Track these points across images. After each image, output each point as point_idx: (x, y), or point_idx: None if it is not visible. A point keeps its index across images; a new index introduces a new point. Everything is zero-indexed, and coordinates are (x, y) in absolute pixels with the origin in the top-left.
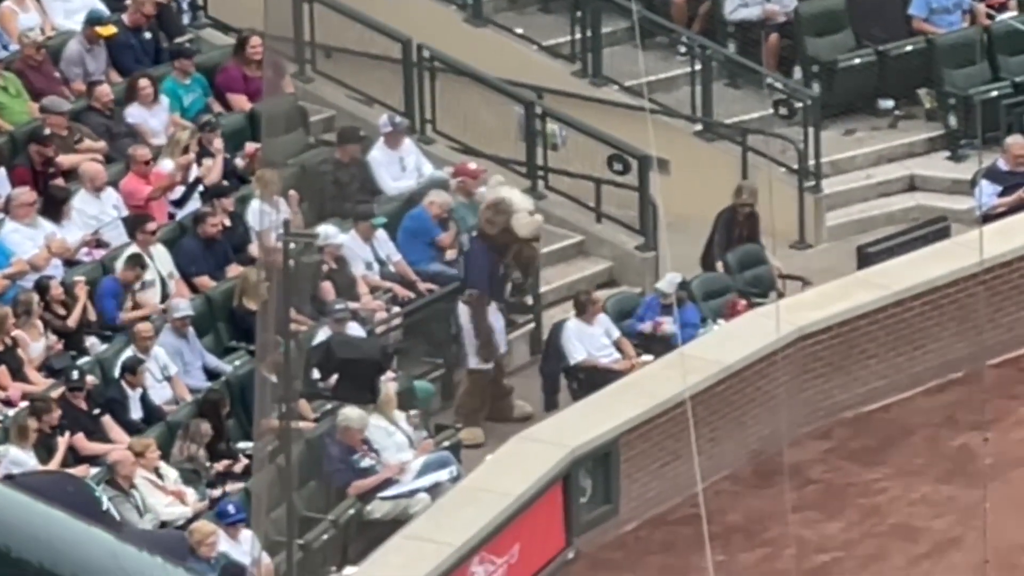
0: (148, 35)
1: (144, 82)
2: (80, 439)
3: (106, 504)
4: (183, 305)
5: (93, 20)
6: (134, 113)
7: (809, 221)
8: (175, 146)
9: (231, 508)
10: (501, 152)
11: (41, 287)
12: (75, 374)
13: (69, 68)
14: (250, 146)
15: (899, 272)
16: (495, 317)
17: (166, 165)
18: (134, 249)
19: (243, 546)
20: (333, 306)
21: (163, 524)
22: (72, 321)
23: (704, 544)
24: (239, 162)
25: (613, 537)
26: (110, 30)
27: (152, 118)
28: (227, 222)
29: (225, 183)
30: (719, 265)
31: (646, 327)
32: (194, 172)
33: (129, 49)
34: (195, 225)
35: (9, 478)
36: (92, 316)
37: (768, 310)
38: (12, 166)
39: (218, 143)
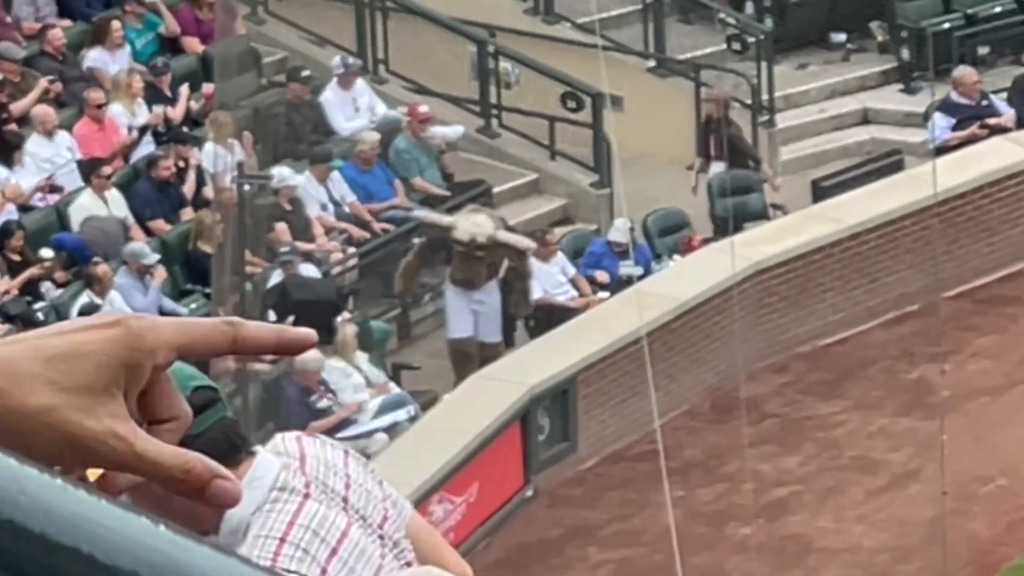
0: None
1: (116, 25)
2: None
3: None
4: (144, 250)
5: None
6: (96, 57)
7: (763, 156)
8: (120, 89)
9: None
10: (454, 91)
11: (6, 232)
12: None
13: (21, 7)
14: (207, 87)
15: (854, 205)
16: (472, 302)
17: (115, 109)
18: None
19: None
20: (280, 249)
21: None
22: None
23: (663, 480)
24: (193, 105)
25: (572, 474)
26: None
27: (114, 63)
28: (181, 164)
29: (184, 129)
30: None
31: (603, 276)
32: (145, 117)
33: None
34: (148, 168)
35: None
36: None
37: (723, 245)
38: None
39: (184, 89)
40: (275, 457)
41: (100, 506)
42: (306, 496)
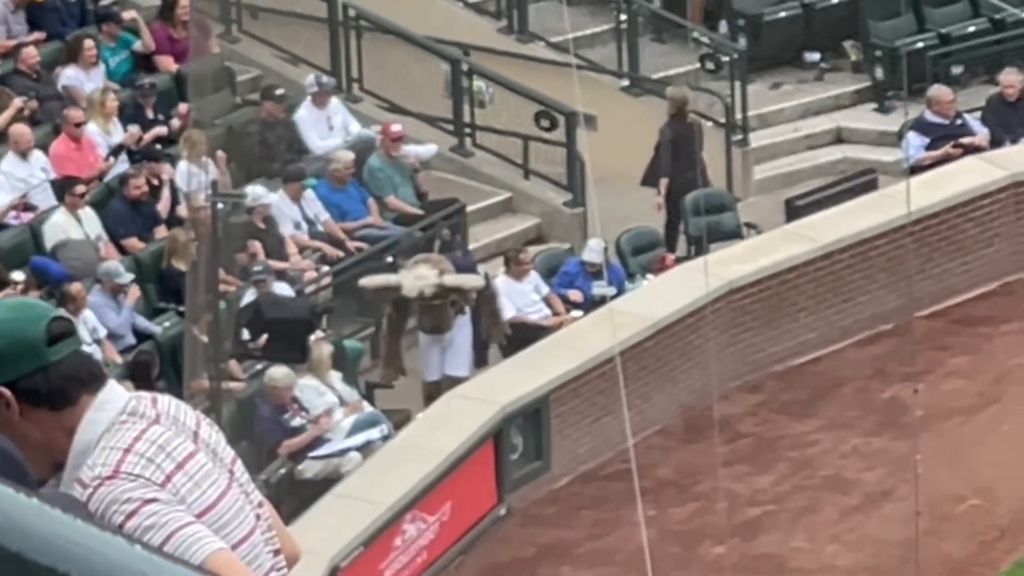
0: None
1: (89, 43)
2: None
3: None
4: (119, 269)
5: None
6: (70, 75)
7: (737, 175)
8: (95, 108)
9: None
10: (428, 110)
11: None
12: None
13: None
14: (181, 106)
15: (827, 224)
16: (443, 341)
17: (90, 128)
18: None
19: None
20: (254, 267)
21: None
22: None
23: (636, 499)
24: (175, 123)
25: (545, 493)
26: None
27: (89, 82)
28: (155, 182)
29: (157, 146)
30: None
31: (576, 295)
32: (120, 136)
33: (55, 12)
34: (121, 187)
35: None
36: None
37: (697, 264)
38: None
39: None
40: (126, 391)
41: (76, 526)
42: (155, 421)
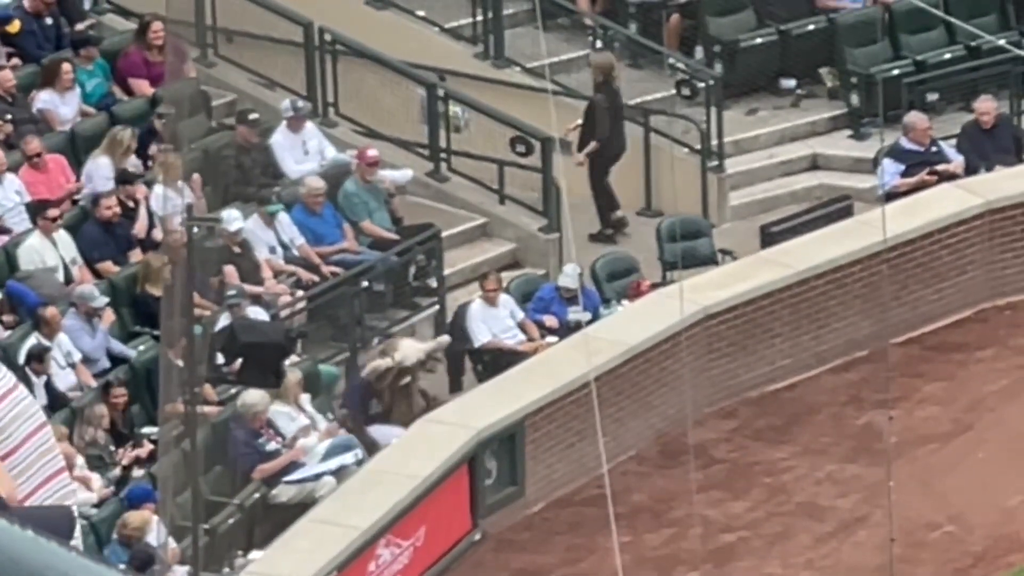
0: (49, 21)
1: (67, 67)
2: None
3: None
4: (94, 292)
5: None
6: (45, 99)
7: (712, 201)
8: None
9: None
10: (404, 134)
11: None
12: None
13: None
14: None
15: (803, 251)
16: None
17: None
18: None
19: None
20: (228, 292)
21: None
22: None
23: (610, 524)
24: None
25: (519, 518)
26: (16, 27)
27: (64, 105)
28: (131, 204)
29: (131, 169)
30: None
31: (551, 321)
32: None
33: (31, 35)
34: (93, 209)
35: None
36: None
37: (672, 290)
38: None
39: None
40: None
41: (70, 557)
42: None
